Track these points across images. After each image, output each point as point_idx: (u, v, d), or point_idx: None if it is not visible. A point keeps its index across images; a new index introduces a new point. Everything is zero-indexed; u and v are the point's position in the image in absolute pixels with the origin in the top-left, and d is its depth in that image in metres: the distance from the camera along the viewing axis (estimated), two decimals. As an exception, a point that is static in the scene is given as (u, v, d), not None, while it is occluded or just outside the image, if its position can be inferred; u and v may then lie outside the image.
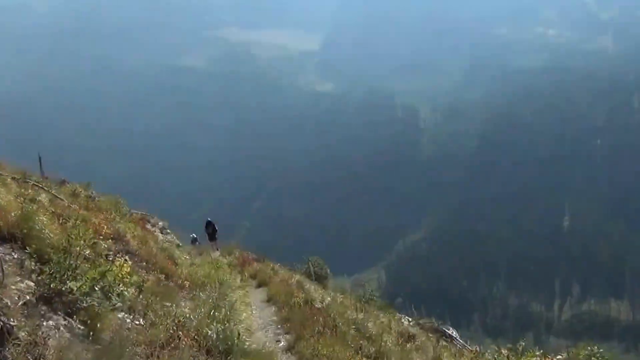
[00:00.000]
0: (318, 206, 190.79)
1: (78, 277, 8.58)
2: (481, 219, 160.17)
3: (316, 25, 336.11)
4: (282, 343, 11.41)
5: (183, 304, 13.70)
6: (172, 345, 8.74)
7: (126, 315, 9.99)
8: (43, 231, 9.71)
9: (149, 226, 29.49)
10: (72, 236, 8.96)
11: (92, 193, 25.45)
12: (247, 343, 9.35)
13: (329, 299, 18.27)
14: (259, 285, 18.99)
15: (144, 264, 16.19)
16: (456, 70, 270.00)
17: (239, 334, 9.07)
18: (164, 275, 15.72)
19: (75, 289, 8.37)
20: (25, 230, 9.42)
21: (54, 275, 8.30)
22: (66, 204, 17.55)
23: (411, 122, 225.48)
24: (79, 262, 8.86)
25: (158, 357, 8.23)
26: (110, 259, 12.92)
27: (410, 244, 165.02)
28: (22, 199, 12.96)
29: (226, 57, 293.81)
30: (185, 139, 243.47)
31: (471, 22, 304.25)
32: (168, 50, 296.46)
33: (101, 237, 14.91)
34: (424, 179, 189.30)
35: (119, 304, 9.39)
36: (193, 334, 9.28)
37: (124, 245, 16.59)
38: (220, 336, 8.99)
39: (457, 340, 33.58)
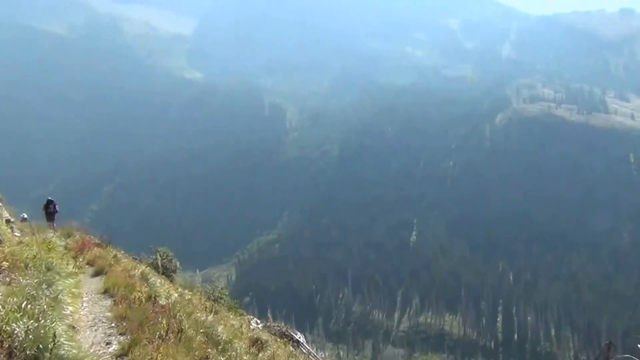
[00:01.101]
0: (173, 197, 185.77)
1: None
2: (335, 225, 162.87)
3: (190, 10, 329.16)
4: (114, 347, 9.35)
5: (-5, 290, 11.24)
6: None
7: None
8: None
9: (-27, 195, 25.82)
10: None
11: None
12: (66, 346, 7.25)
13: (175, 295, 16.20)
14: (96, 274, 16.61)
15: (-48, 236, 13.41)
16: (326, 77, 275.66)
17: (54, 335, 6.99)
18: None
19: None
20: None
21: None
22: None
23: (277, 122, 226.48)
24: None
25: None
26: None
27: (264, 243, 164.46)
28: None
29: (89, 27, 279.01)
30: (34, 108, 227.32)
31: (345, 32, 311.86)
32: (24, 7, 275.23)
33: None
34: (283, 180, 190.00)
35: None
36: (-5, 330, 7.12)
37: None
38: (30, 336, 6.90)
39: (303, 345, 32.70)
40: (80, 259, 17.63)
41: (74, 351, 7.24)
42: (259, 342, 16.54)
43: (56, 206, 31.78)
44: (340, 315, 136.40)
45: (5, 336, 7.00)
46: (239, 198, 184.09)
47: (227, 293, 33.24)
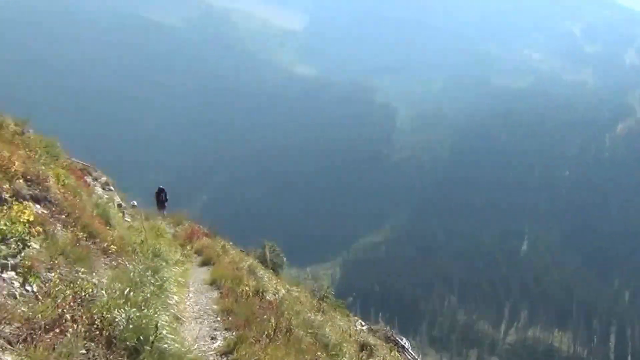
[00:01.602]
0: (281, 191, 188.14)
1: None
2: (443, 230, 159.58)
3: (304, 6, 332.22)
4: (218, 342, 8.72)
5: (102, 273, 10.94)
6: (62, 327, 6.03)
7: (15, 276, 7.28)
8: None
9: (89, 179, 26.39)
10: None
11: (26, 130, 22.32)
12: (168, 340, 6.61)
13: (283, 291, 15.55)
14: (204, 264, 16.30)
15: (64, 217, 13.33)
16: (439, 79, 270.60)
17: (156, 327, 6.35)
18: (86, 235, 12.90)
19: None
20: None
21: None
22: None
23: (387, 122, 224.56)
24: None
25: (34, 343, 5.55)
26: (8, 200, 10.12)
27: (370, 244, 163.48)
28: None
29: (204, 19, 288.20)
30: (150, 98, 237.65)
31: (460, 33, 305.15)
32: (144, 1, 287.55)
33: (8, 175, 12.08)
34: (392, 181, 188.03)
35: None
36: (96, 317, 6.59)
37: (42, 191, 13.70)
38: (131, 325, 6.31)
39: (408, 351, 31.50)
40: (188, 248, 17.41)
41: (176, 345, 6.59)
42: (367, 347, 15.63)
43: (167, 194, 32.87)
44: (444, 322, 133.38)
45: (105, 324, 6.47)
46: (345, 196, 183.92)
47: (332, 292, 32.51)
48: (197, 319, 10.20)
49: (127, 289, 7.33)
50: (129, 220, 25.60)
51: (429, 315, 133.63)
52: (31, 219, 8.67)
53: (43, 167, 14.78)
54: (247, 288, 12.28)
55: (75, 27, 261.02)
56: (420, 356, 37.13)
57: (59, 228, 12.61)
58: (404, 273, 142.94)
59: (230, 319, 9.97)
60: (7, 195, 10.38)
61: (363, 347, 15.40)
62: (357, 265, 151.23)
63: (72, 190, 17.82)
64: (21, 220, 9.29)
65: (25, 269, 6.47)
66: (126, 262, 11.81)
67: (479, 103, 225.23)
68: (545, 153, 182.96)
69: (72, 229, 12.55)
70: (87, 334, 6.33)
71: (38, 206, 13.28)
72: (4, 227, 6.31)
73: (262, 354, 7.83)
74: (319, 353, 10.06)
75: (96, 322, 6.55)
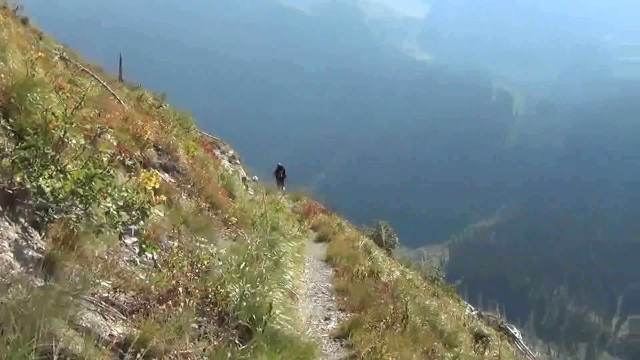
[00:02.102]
0: (396, 172, 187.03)
1: (56, 175, 5.51)
2: (555, 219, 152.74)
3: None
4: (332, 324, 8.11)
5: (221, 243, 10.65)
6: (175, 299, 5.64)
7: (137, 242, 7.00)
8: (38, 105, 6.48)
9: (217, 152, 26.73)
10: (62, 113, 5.86)
11: (163, 104, 22.75)
12: (282, 320, 6.05)
13: (397, 273, 14.74)
14: (320, 240, 15.82)
15: (190, 186, 13.23)
16: (556, 67, 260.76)
17: (270, 306, 5.80)
18: (209, 205, 12.71)
19: (48, 189, 5.30)
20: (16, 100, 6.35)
21: (18, 164, 5.28)
22: (115, 100, 14.76)
23: (504, 109, 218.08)
24: (64, 154, 5.85)
25: (147, 313, 5.18)
26: (133, 167, 9.98)
27: (480, 229, 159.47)
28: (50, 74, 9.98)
29: (331, 6, 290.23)
30: (276, 78, 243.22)
31: (578, 21, 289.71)
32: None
33: (140, 143, 12.04)
34: (506, 168, 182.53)
35: (121, 227, 6.18)
36: (211, 290, 6.16)
37: (172, 161, 13.66)
38: (244, 303, 5.80)
39: (519, 342, 29.94)
40: (306, 223, 17.00)
41: (289, 327, 6.02)
42: (481, 337, 14.60)
43: (285, 171, 33.46)
44: (553, 313, 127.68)
45: (219, 298, 6.01)
46: (459, 181, 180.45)
47: (443, 275, 31.39)
48: (311, 297, 9.67)
49: (243, 263, 6.84)
50: (252, 193, 25.77)
51: (538, 304, 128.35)
52: (157, 186, 8.45)
53: (174, 138, 14.82)
54: (362, 268, 11.61)
55: (215, 10, 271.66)
56: (532, 347, 35.27)
57: (184, 197, 12.50)
58: (513, 260, 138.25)
59: (345, 299, 9.36)
60: (135, 163, 10.25)
61: (477, 337, 14.42)
62: (467, 249, 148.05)
63: (200, 162, 17.92)
64: (147, 187, 9.10)
65: (143, 238, 6.11)
66: (245, 235, 11.49)
67: (595, 92, 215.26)
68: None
69: (196, 198, 12.42)
70: (200, 307, 5.90)
71: (167, 175, 13.27)
72: (126, 194, 5.91)
73: (378, 342, 7.11)
74: (435, 343, 9.24)
75: (210, 295, 6.11)
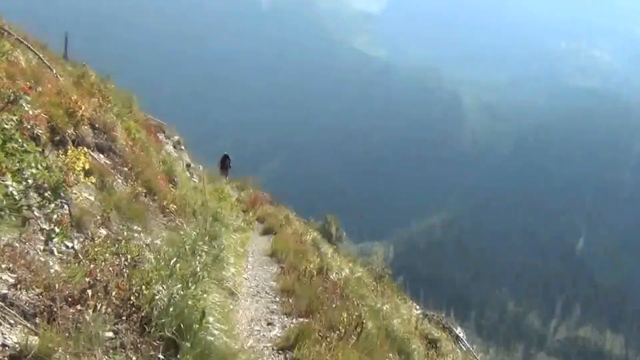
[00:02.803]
0: (342, 168, 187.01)
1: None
2: (499, 220, 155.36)
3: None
4: (276, 330, 7.13)
5: (156, 233, 9.71)
6: (89, 301, 4.68)
7: (58, 230, 6.02)
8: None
9: (161, 136, 25.50)
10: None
11: (108, 84, 21.31)
12: (216, 330, 5.13)
13: (347, 270, 13.92)
14: (265, 233, 14.95)
15: (127, 169, 12.18)
16: (506, 71, 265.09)
17: (203, 313, 4.91)
18: (145, 190, 11.70)
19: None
20: None
21: None
22: (52, 73, 13.55)
23: (454, 111, 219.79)
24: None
25: (52, 318, 4.26)
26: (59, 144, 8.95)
27: (425, 227, 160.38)
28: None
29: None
30: (225, 68, 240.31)
31: (529, 25, 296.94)
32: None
33: (74, 119, 10.94)
34: (453, 168, 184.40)
35: (28, 211, 5.22)
36: (135, 290, 5.22)
37: (108, 140, 12.57)
38: (172, 308, 4.89)
39: (463, 341, 29.79)
40: (251, 214, 16.06)
41: (224, 339, 5.11)
42: (432, 342, 14.03)
43: (231, 162, 32.69)
44: (494, 313, 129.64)
45: (142, 301, 5.07)
46: (405, 178, 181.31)
47: (389, 272, 30.90)
48: (253, 297, 8.77)
49: (174, 259, 5.91)
50: (196, 181, 24.68)
51: (479, 304, 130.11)
52: (86, 166, 7.49)
53: (113, 117, 13.68)
54: (310, 265, 10.75)
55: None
56: (475, 348, 35.29)
57: (120, 181, 11.49)
58: (457, 259, 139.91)
59: (290, 301, 8.50)
60: (66, 140, 9.23)
61: (429, 341, 13.85)
62: (411, 246, 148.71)
63: (141, 145, 16.78)
64: (75, 167, 8.10)
65: (53, 224, 5.17)
66: (184, 224, 10.56)
67: (545, 99, 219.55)
68: (607, 156, 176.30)
69: (132, 182, 11.42)
70: (120, 311, 4.97)
71: (102, 155, 12.19)
72: (37, 172, 4.97)
73: (329, 356, 6.21)
74: (390, 354, 8.47)
75: (132, 297, 5.19)
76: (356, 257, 29.14)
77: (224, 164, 32.20)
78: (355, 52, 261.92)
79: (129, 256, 6.41)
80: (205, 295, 5.45)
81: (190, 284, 5.38)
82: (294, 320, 7.66)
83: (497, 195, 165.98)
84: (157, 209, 11.28)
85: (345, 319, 7.56)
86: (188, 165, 25.30)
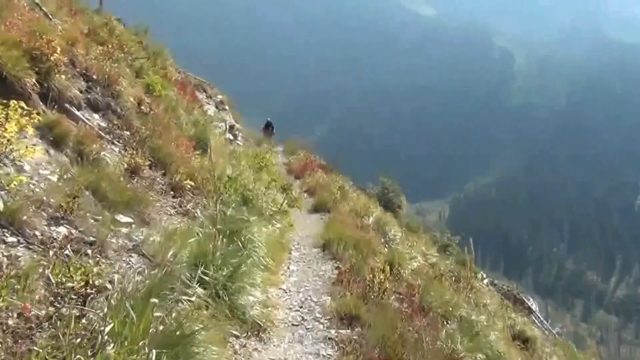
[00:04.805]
0: (395, 128, 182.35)
1: None
2: (555, 176, 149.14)
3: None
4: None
5: (156, 225, 6.56)
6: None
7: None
8: None
9: (201, 95, 22.40)
10: None
11: (144, 41, 18.11)
12: None
13: (419, 259, 10.29)
14: (316, 210, 11.56)
15: (129, 134, 8.96)
16: (555, 27, 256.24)
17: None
18: (152, 162, 8.48)
19: None
20: None
21: None
22: (40, 14, 10.30)
23: (505, 66, 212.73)
24: None
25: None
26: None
27: (480, 186, 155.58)
28: None
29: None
30: (279, 31, 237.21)
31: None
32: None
33: (44, 65, 7.71)
34: (506, 125, 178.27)
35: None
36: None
37: (106, 96, 9.29)
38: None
39: (535, 314, 26.76)
40: (296, 189, 12.67)
41: None
42: (526, 341, 10.65)
43: (274, 128, 30.62)
44: (552, 269, 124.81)
45: None
46: (459, 137, 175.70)
47: (457, 241, 27.38)
48: (295, 328, 5.29)
49: (155, 300, 2.70)
50: (241, 143, 21.56)
51: (536, 261, 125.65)
52: (28, 130, 4.39)
53: (116, 67, 10.45)
54: (381, 275, 6.87)
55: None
56: (548, 321, 31.68)
57: (116, 149, 8.29)
58: (513, 216, 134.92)
59: (354, 338, 5.01)
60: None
61: (522, 341, 10.51)
62: (467, 206, 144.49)
63: (167, 103, 13.63)
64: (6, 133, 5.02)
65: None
66: (198, 211, 7.30)
67: (594, 54, 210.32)
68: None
69: (132, 151, 8.17)
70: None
71: (96, 116, 9.00)
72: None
73: None
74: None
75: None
76: (417, 223, 25.75)
77: (267, 130, 30.01)
78: (405, 11, 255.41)
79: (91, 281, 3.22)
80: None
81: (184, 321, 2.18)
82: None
83: (550, 151, 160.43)
84: (166, 186, 8.05)
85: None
86: (232, 127, 22.24)
